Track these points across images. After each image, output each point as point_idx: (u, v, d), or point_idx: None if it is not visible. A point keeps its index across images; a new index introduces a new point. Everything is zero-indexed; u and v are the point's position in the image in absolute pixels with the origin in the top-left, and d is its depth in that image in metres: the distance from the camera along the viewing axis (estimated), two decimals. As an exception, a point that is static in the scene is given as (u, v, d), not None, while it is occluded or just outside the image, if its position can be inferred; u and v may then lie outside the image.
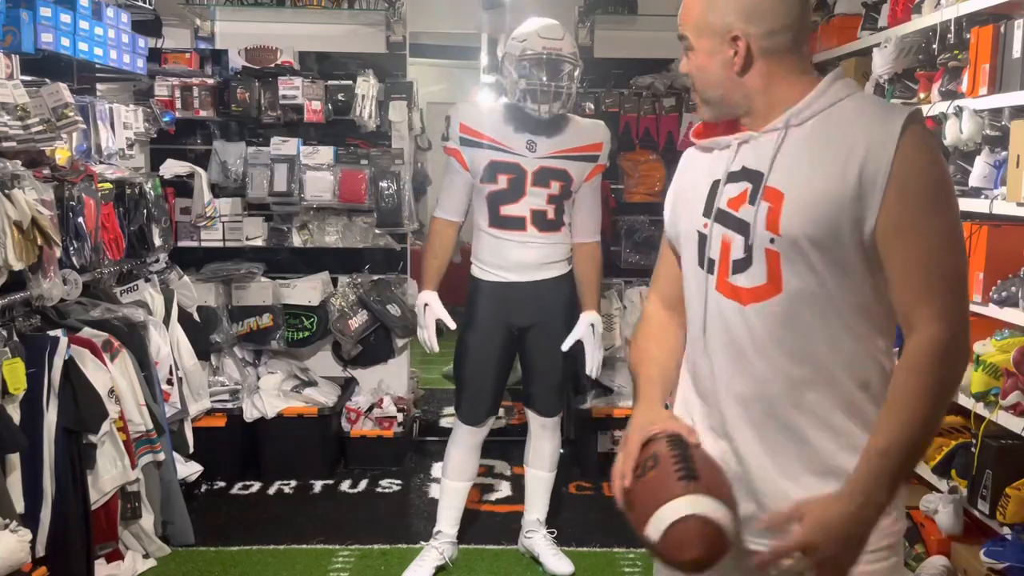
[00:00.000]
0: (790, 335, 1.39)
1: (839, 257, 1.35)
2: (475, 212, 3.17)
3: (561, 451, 3.45)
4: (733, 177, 1.44)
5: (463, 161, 3.10)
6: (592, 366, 3.24)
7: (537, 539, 3.37)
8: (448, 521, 3.33)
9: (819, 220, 1.34)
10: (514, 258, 3.12)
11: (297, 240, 4.36)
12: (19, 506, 2.66)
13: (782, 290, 1.38)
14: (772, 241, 1.37)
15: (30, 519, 2.68)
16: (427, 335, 3.19)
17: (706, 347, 1.48)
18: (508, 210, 3.10)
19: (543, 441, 3.32)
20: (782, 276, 1.37)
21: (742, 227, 1.41)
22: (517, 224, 3.10)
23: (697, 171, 1.52)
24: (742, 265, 1.41)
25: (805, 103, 1.39)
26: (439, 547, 3.28)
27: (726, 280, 1.43)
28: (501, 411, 5.08)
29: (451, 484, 3.32)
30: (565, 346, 3.20)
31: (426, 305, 3.17)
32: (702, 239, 1.47)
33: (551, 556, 3.31)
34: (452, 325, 3.18)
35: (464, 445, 3.27)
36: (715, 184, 1.46)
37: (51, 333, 2.83)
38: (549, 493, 3.39)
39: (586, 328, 3.20)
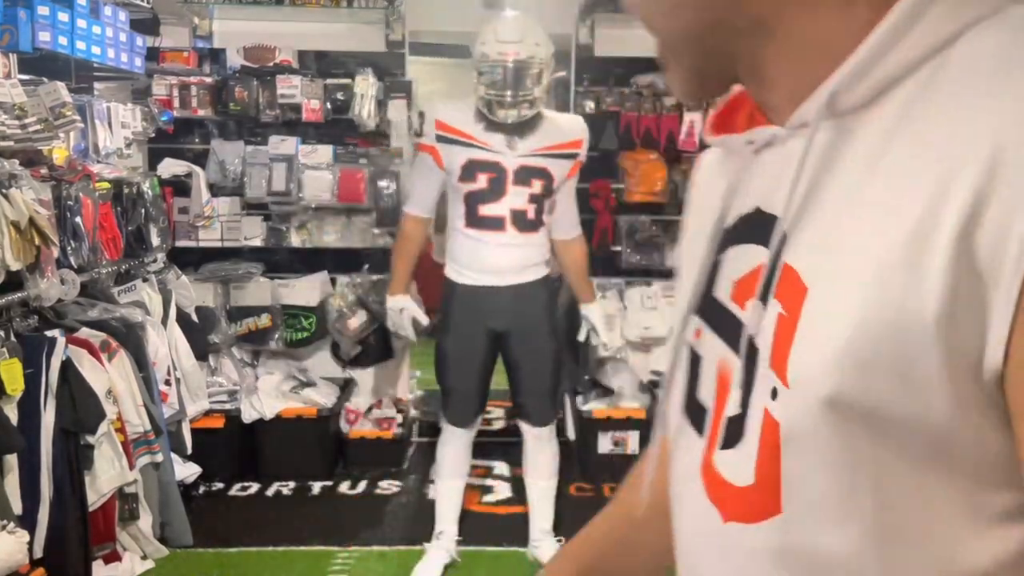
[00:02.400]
0: None
1: (920, 440, 0.52)
2: (450, 212, 3.12)
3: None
4: (742, 228, 0.66)
5: (439, 159, 3.05)
6: (610, 345, 3.47)
7: (545, 548, 3.34)
8: (449, 520, 3.33)
9: (872, 357, 0.51)
10: (492, 260, 3.06)
11: (296, 240, 4.34)
12: (17, 507, 2.65)
13: (781, 509, 0.58)
14: (774, 395, 0.57)
15: (28, 520, 2.66)
16: (409, 335, 3.34)
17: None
18: (487, 210, 3.04)
19: (539, 452, 3.29)
20: (782, 477, 0.57)
21: (738, 344, 0.62)
22: (496, 224, 3.04)
23: (707, 200, 0.73)
24: (734, 432, 0.62)
25: (861, 60, 0.54)
26: (444, 546, 3.29)
27: (711, 458, 0.65)
28: (500, 411, 5.09)
29: (447, 484, 3.33)
30: (582, 336, 3.38)
31: (402, 310, 3.25)
32: (691, 355, 0.70)
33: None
34: (425, 321, 3.31)
35: (455, 445, 3.27)
36: (718, 236, 0.68)
37: (49, 333, 2.81)
38: (553, 500, 3.38)
39: (600, 317, 3.33)
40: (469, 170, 3.02)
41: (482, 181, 3.03)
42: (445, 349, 3.18)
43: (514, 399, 3.30)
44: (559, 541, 3.40)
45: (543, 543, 3.35)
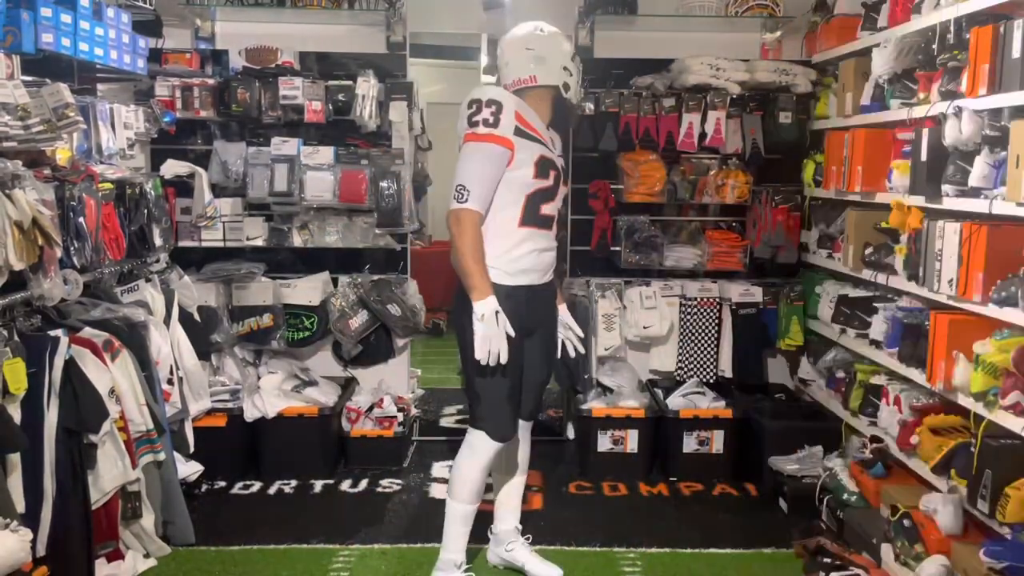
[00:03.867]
0: None
1: None
2: (501, 210, 2.88)
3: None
4: None
5: (514, 153, 2.84)
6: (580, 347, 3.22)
7: (519, 549, 3.27)
8: (463, 549, 3.12)
9: None
10: (541, 260, 3.00)
11: (297, 240, 4.36)
12: (20, 506, 2.67)
13: None
14: None
15: (31, 519, 2.68)
16: (501, 348, 2.78)
17: None
18: (547, 208, 2.97)
19: (524, 445, 3.24)
20: None
21: None
22: (549, 223, 3.01)
23: None
24: None
25: None
26: None
27: None
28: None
29: (471, 508, 3.07)
30: (572, 350, 3.21)
31: (497, 312, 2.79)
32: None
33: (539, 564, 3.22)
34: (513, 333, 2.83)
35: (488, 464, 3.02)
36: None
37: (52, 333, 2.83)
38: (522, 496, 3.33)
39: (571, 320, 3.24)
40: (543, 167, 2.91)
41: (551, 179, 2.96)
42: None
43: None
44: (527, 539, 3.33)
45: (515, 543, 3.27)
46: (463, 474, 3.02)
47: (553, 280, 3.15)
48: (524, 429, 3.23)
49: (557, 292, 3.20)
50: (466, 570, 3.12)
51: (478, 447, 2.99)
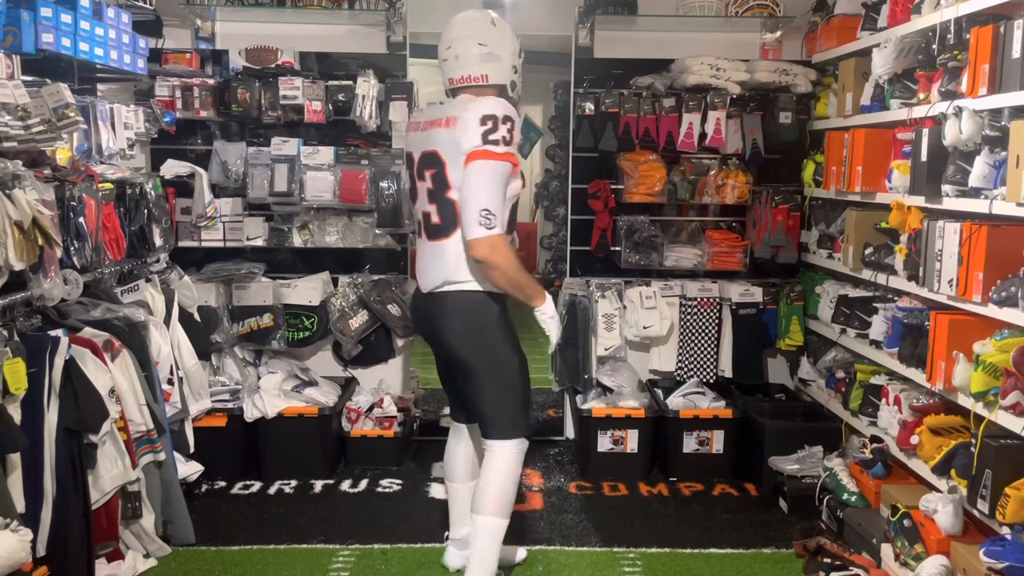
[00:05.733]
0: None
1: None
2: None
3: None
4: None
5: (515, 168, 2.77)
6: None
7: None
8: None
9: None
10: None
11: (297, 240, 4.36)
12: (20, 506, 2.67)
13: None
14: None
15: (31, 519, 2.68)
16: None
17: None
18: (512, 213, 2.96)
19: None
20: None
21: None
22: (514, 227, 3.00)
23: None
24: None
25: None
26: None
27: None
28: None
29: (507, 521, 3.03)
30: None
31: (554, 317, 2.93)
32: None
33: (507, 549, 3.16)
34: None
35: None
36: None
37: (52, 333, 2.83)
38: None
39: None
40: (518, 174, 2.82)
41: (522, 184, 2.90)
42: (523, 360, 2.90)
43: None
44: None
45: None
46: (508, 488, 2.89)
47: None
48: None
49: None
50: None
51: (516, 456, 2.89)
